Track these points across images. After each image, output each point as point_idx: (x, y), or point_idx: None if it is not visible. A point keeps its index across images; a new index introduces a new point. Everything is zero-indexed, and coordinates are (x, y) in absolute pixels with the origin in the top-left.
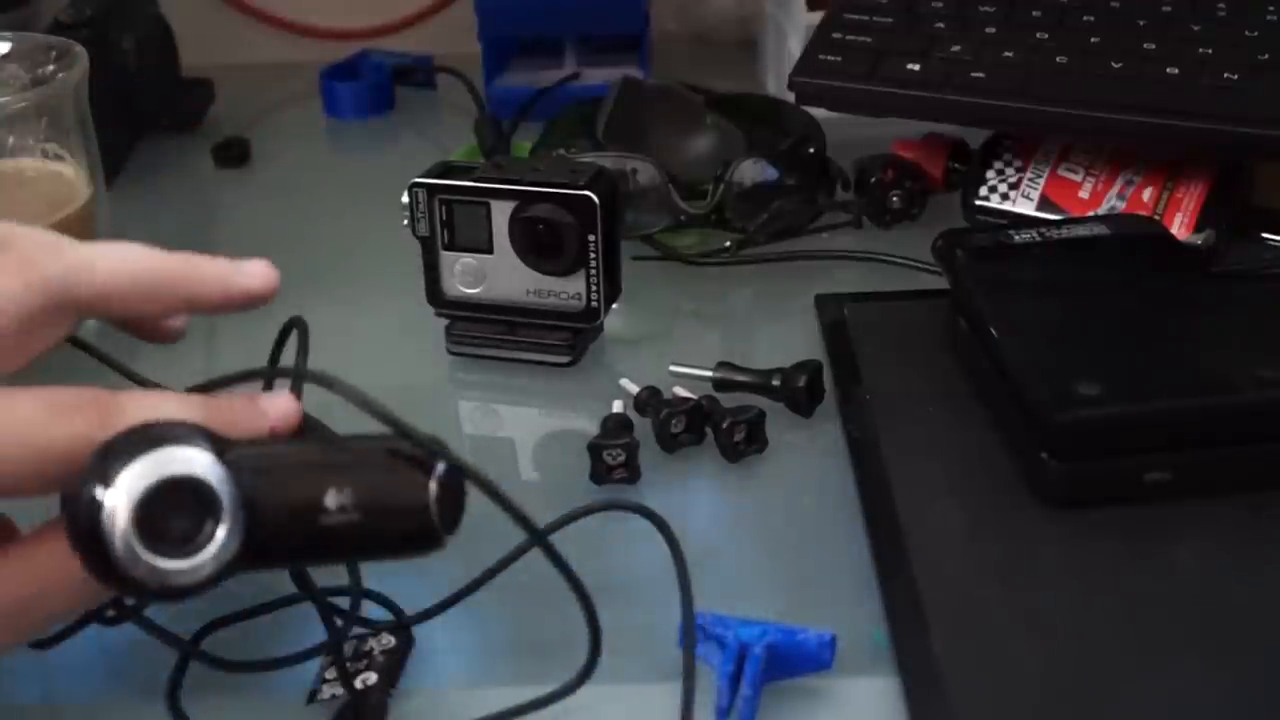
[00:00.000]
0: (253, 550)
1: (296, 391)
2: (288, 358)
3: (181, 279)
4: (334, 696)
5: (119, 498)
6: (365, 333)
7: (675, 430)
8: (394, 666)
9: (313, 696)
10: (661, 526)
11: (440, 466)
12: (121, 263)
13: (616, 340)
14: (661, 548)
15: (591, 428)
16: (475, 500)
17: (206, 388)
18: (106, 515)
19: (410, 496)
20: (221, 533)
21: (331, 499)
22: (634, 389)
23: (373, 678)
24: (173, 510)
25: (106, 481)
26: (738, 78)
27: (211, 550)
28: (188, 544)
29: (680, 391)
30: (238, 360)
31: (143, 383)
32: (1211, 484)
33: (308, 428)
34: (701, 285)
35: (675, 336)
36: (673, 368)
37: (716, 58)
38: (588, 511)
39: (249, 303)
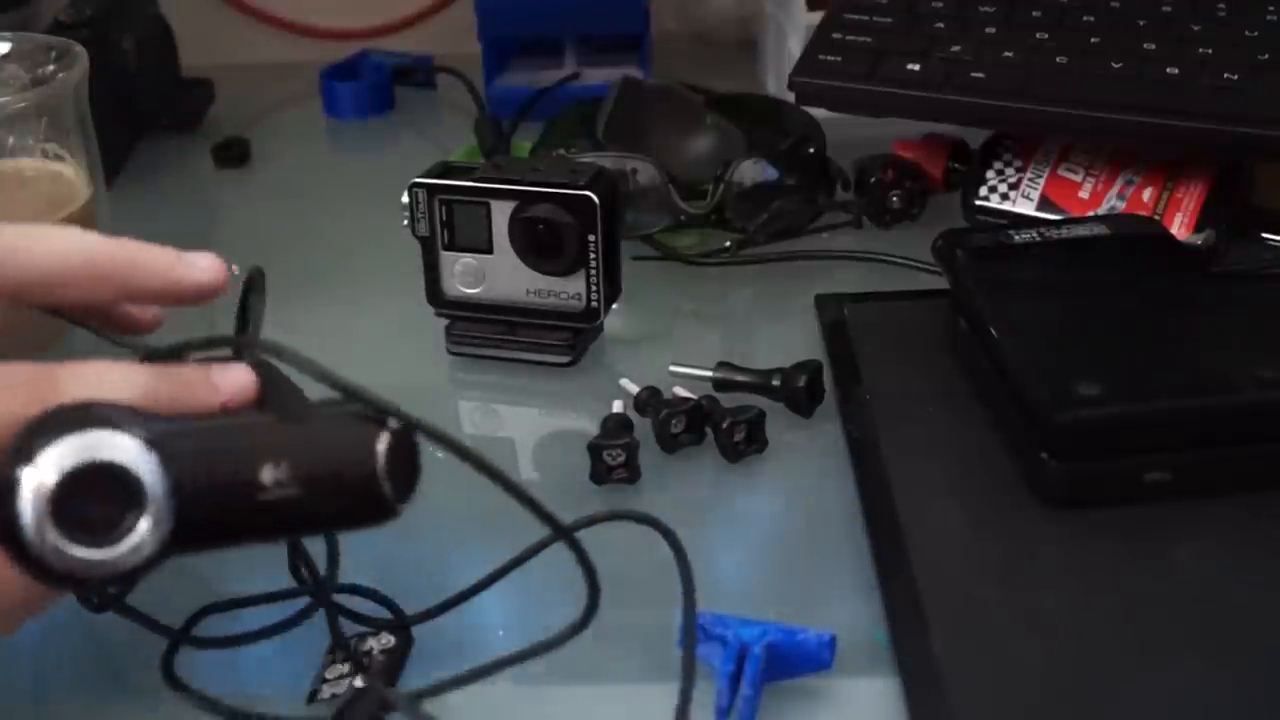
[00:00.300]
0: (183, 536)
1: (250, 360)
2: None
3: (123, 266)
4: (334, 696)
5: (35, 479)
6: (365, 333)
7: (675, 430)
8: (394, 666)
9: (313, 696)
10: (669, 537)
11: (388, 430)
12: (58, 245)
13: (616, 340)
14: (661, 548)
15: (591, 428)
16: (478, 498)
17: (162, 355)
18: (21, 497)
19: (355, 464)
20: (144, 524)
21: (268, 474)
22: (634, 389)
23: (373, 678)
24: (96, 496)
25: (25, 461)
26: (738, 78)
27: (133, 540)
28: (109, 532)
29: (680, 391)
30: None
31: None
32: (1211, 484)
33: (272, 389)
34: (701, 285)
35: (675, 336)
36: (673, 368)
37: (716, 58)
38: (610, 518)
39: (196, 296)
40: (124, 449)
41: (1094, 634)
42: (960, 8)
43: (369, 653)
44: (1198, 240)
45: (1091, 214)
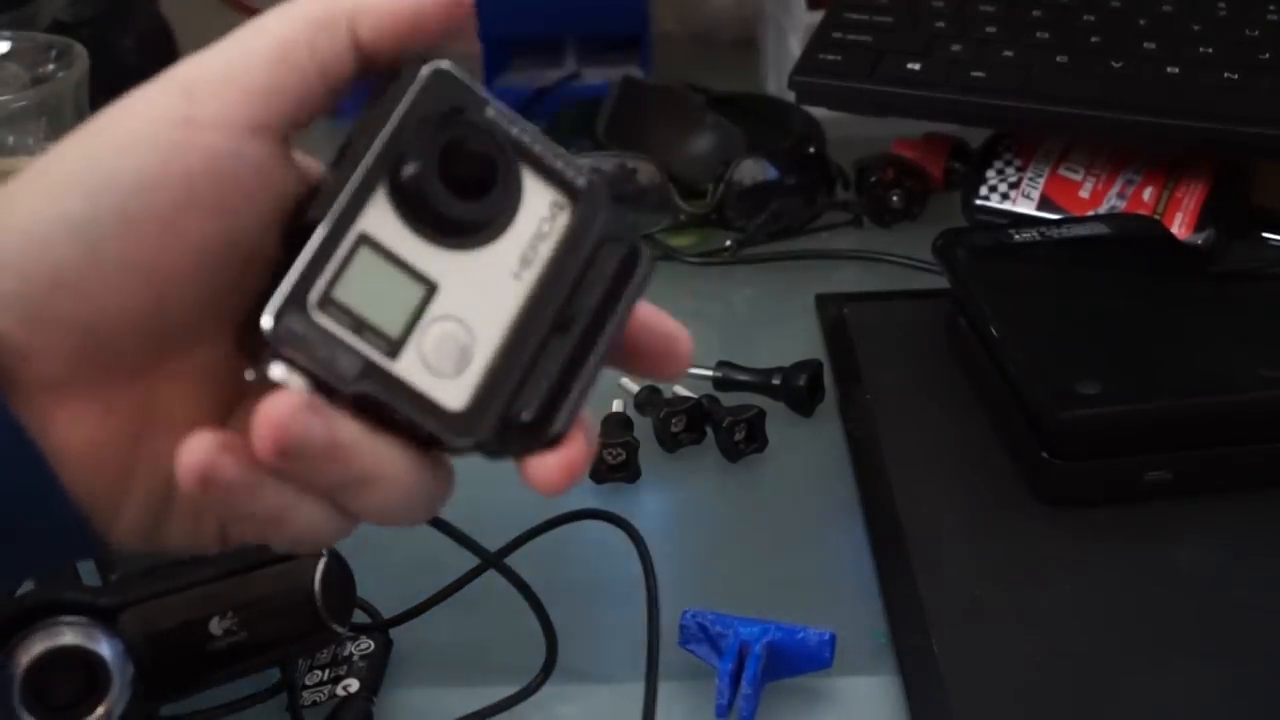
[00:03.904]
0: (142, 699)
1: None
2: None
3: None
4: (315, 703)
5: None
6: None
7: (675, 429)
8: (375, 672)
9: (293, 704)
10: (631, 533)
11: (321, 564)
12: None
13: None
14: (661, 548)
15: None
16: (461, 503)
17: None
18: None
19: (292, 599)
20: (102, 710)
21: (216, 625)
22: (634, 388)
23: (354, 685)
24: (63, 677)
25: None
26: (738, 78)
27: (99, 713)
28: (72, 710)
29: (680, 391)
30: None
31: None
32: (1211, 484)
33: None
34: (701, 285)
35: None
36: None
37: (716, 58)
38: (572, 518)
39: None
40: (88, 633)
41: (1094, 633)
42: (960, 7)
43: (349, 658)
44: (1198, 240)
45: (1092, 214)
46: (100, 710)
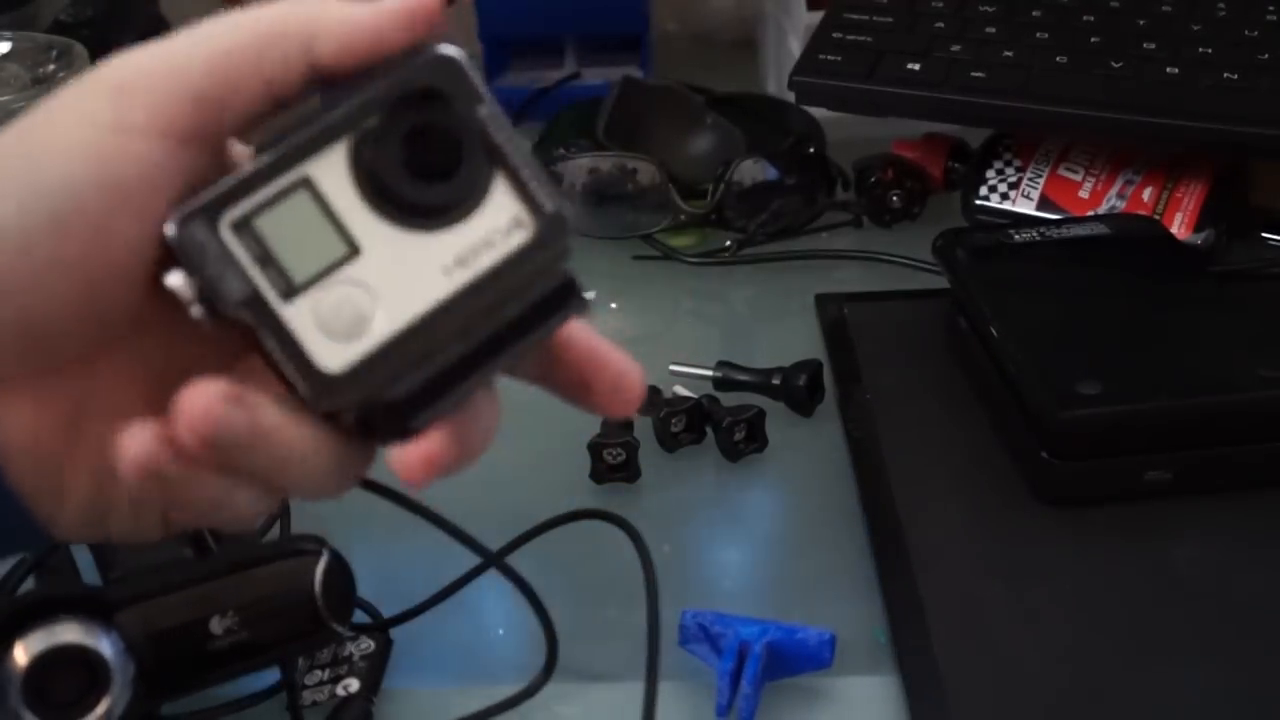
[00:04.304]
0: (143, 698)
1: None
2: None
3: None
4: (315, 703)
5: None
6: None
7: (675, 429)
8: (375, 671)
9: (293, 704)
10: (631, 534)
11: (322, 563)
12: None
13: (616, 340)
14: (661, 548)
15: (591, 427)
16: (461, 503)
17: None
18: None
19: (293, 599)
20: (102, 709)
21: (217, 624)
22: None
23: (354, 684)
24: (64, 676)
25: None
26: (738, 78)
27: (100, 711)
28: (73, 708)
29: (680, 391)
30: None
31: None
32: (1211, 483)
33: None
34: (701, 285)
35: (675, 336)
36: (673, 367)
37: (716, 58)
38: (572, 518)
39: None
40: (89, 632)
41: (1094, 633)
42: (960, 8)
43: (349, 658)
44: (1198, 240)
45: (1091, 214)
46: (101, 709)
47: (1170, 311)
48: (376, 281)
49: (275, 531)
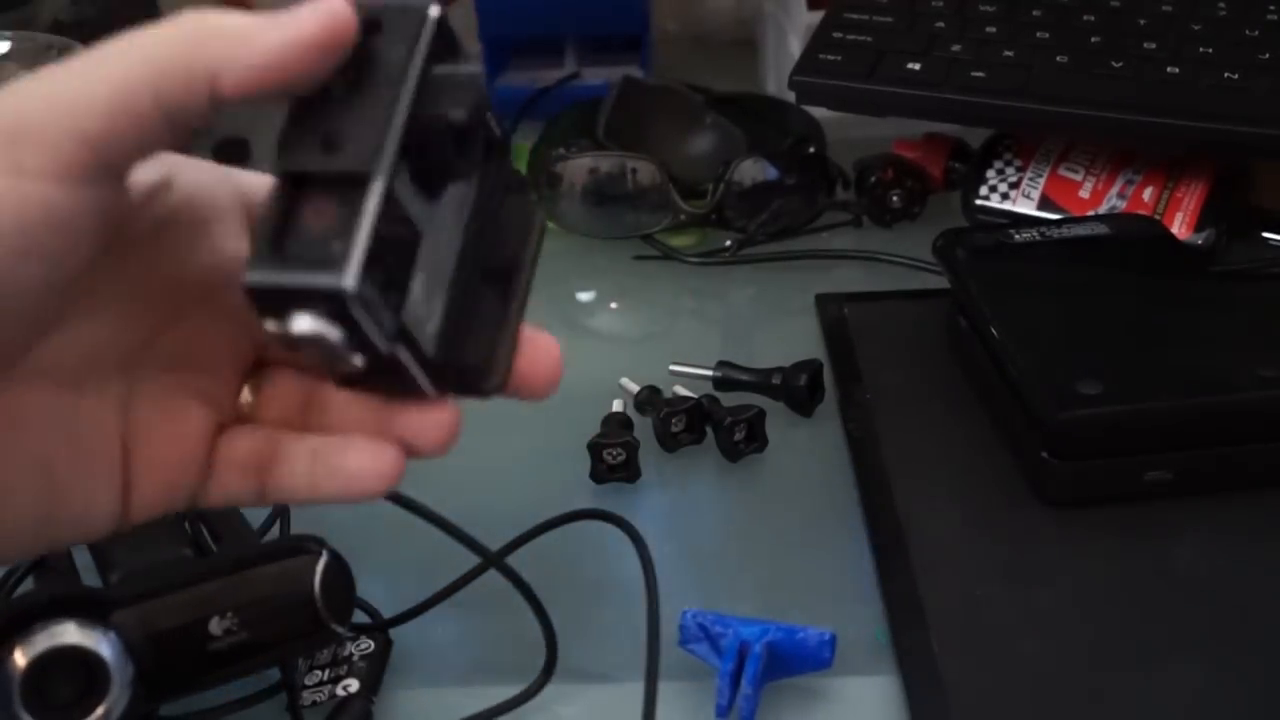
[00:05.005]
0: (142, 699)
1: None
2: None
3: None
4: (315, 703)
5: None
6: None
7: (675, 429)
8: (375, 672)
9: (292, 704)
10: (631, 534)
11: (322, 563)
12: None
13: (617, 340)
14: (661, 548)
15: (591, 427)
16: (461, 503)
17: None
18: None
19: (292, 600)
20: (101, 710)
21: (216, 625)
22: (634, 388)
23: (354, 684)
24: (63, 677)
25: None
26: (738, 78)
27: (99, 713)
28: (72, 709)
29: (680, 391)
30: None
31: None
32: (1211, 483)
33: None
34: (701, 285)
35: (675, 336)
36: (673, 367)
37: (716, 58)
38: (571, 518)
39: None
40: (88, 633)
41: (1094, 633)
42: (960, 7)
43: (349, 658)
44: (1198, 240)
45: (1092, 214)
46: (100, 710)
47: (1171, 311)
48: (428, 255)
49: (275, 531)
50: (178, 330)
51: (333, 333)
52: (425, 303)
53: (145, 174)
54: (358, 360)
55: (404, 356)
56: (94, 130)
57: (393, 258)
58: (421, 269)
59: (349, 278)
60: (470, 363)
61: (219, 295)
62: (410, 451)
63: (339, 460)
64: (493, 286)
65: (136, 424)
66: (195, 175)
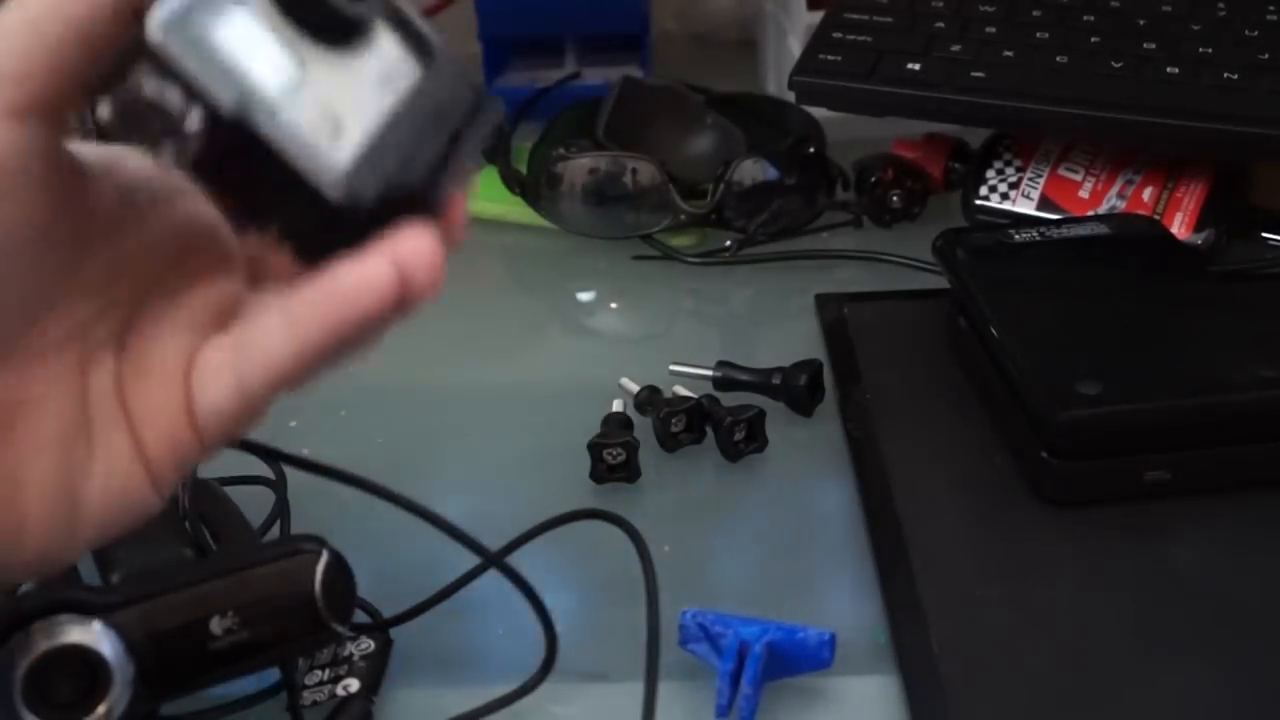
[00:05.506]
0: (143, 697)
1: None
2: None
3: None
4: (315, 703)
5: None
6: None
7: (675, 429)
8: (375, 672)
9: (292, 704)
10: (631, 534)
11: (322, 563)
12: None
13: (616, 340)
14: (661, 548)
15: (591, 427)
16: (461, 503)
17: None
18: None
19: (293, 599)
20: (103, 709)
21: (217, 625)
22: (634, 388)
23: (354, 684)
24: (64, 676)
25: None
26: (738, 78)
27: (101, 711)
28: (74, 708)
29: (680, 391)
30: None
31: None
32: (1211, 483)
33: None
34: (701, 285)
35: (675, 336)
36: (673, 367)
37: (716, 58)
38: (571, 518)
39: None
40: (89, 632)
41: (1094, 633)
42: (960, 7)
43: (349, 658)
44: (1198, 240)
45: (1091, 214)
46: (101, 709)
47: (1170, 311)
48: (330, 94)
49: (276, 531)
50: (159, 292)
51: (170, 93)
52: (328, 122)
53: (98, 150)
54: (194, 122)
55: (261, 128)
56: (10, 68)
57: (241, 48)
58: (314, 93)
59: (157, 24)
60: (402, 175)
61: (193, 258)
62: (404, 289)
63: (328, 283)
64: (444, 130)
65: (133, 389)
66: None
